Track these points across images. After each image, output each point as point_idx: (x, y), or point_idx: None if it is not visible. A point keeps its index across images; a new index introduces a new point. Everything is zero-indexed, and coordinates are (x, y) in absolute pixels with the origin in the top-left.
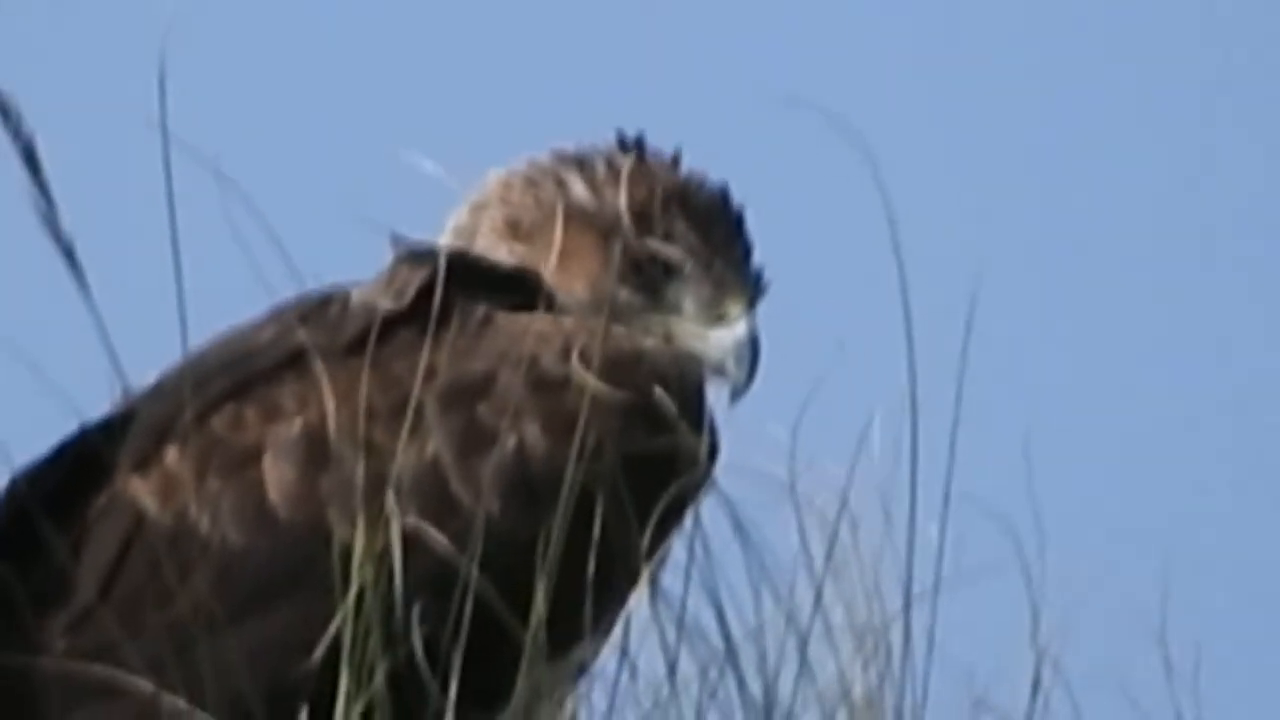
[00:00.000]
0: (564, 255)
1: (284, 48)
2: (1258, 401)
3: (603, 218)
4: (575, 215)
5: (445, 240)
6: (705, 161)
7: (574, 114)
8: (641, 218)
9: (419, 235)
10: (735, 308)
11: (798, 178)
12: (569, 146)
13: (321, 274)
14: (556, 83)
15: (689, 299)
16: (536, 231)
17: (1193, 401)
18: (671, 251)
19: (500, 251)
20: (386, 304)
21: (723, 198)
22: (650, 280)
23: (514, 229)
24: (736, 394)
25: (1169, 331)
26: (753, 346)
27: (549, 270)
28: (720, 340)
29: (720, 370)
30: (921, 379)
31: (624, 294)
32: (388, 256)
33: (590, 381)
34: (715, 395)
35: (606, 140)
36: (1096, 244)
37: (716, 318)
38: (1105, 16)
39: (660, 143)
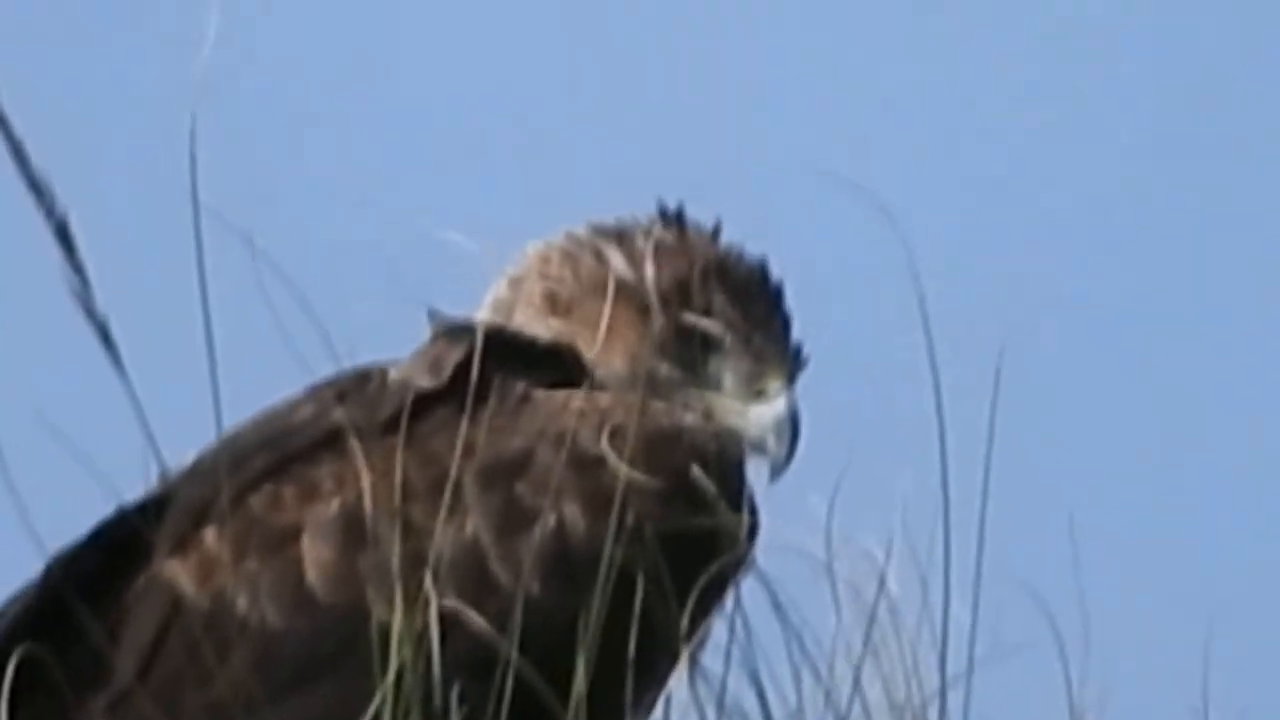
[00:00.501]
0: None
1: (317, 120)
2: None
3: (641, 291)
4: (614, 288)
5: (484, 314)
6: (743, 234)
7: (612, 185)
8: (681, 291)
9: (457, 310)
10: (775, 383)
11: (834, 251)
12: (608, 218)
13: (358, 351)
14: (594, 155)
15: (728, 374)
16: (575, 305)
17: (1232, 472)
18: (711, 325)
19: (538, 326)
20: (424, 381)
21: (762, 271)
22: (689, 355)
23: (552, 302)
24: (777, 471)
25: (1205, 400)
26: (793, 422)
27: (588, 345)
28: (760, 416)
29: (760, 447)
30: (957, 453)
31: (663, 369)
32: (425, 332)
33: (626, 466)
34: (755, 472)
35: (646, 212)
36: (1129, 312)
37: (756, 393)
38: (1140, 73)
39: (699, 215)
